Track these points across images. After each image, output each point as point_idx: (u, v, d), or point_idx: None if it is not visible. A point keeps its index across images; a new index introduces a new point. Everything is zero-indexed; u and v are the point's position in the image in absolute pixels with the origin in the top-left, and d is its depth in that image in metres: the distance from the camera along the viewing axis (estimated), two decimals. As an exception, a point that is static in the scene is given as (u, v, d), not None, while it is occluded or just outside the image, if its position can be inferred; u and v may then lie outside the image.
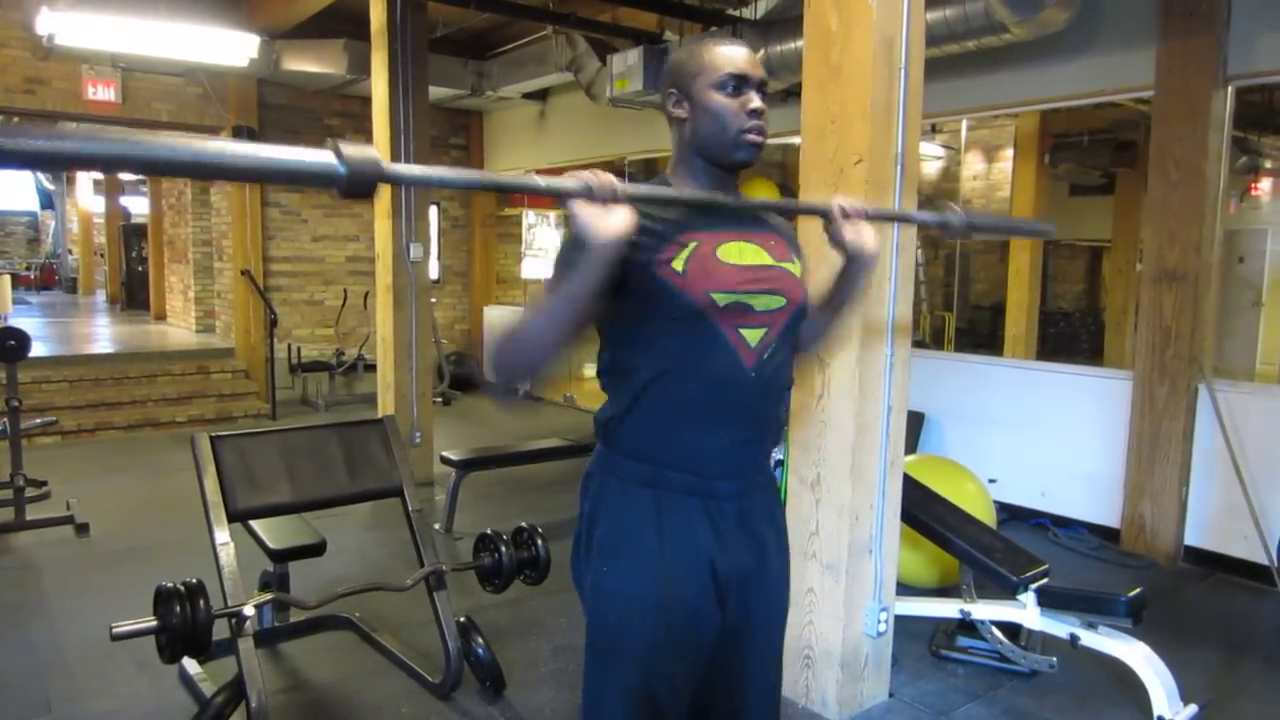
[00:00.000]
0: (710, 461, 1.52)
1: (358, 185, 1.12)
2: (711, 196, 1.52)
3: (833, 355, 1.59)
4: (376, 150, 1.15)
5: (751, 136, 1.50)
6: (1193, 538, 4.56)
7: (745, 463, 1.57)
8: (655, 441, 1.51)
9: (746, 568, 1.58)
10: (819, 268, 1.74)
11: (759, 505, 1.61)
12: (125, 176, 15.96)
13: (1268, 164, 9.48)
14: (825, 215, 1.61)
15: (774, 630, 1.69)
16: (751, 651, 1.63)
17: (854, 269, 1.64)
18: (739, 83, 1.49)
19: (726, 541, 1.54)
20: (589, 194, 1.28)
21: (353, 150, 1.12)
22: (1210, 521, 4.50)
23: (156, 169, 1.07)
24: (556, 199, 1.31)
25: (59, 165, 1.02)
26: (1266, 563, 4.23)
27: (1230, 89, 4.39)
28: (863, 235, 1.60)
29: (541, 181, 1.30)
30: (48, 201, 21.97)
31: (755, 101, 1.50)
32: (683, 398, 1.48)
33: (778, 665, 1.73)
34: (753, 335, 1.51)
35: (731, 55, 1.50)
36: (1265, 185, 10.05)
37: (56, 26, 5.82)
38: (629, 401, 1.51)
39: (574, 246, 1.34)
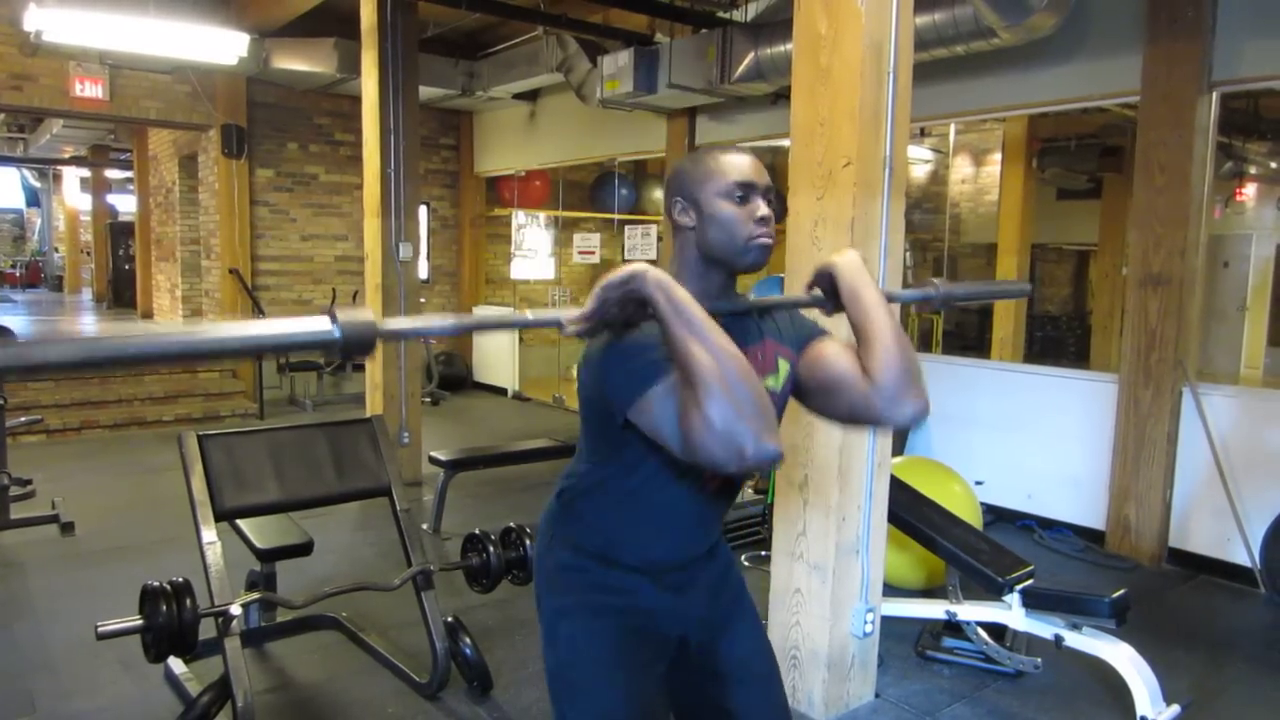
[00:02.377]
0: (658, 561, 1.58)
1: (355, 347, 1.13)
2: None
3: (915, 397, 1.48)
4: (371, 311, 1.15)
5: (761, 241, 1.50)
6: (1176, 540, 4.59)
7: (693, 555, 1.63)
8: (610, 524, 1.56)
9: (702, 598, 1.64)
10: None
11: (706, 570, 1.66)
12: (113, 173, 15.86)
13: (1252, 170, 9.56)
14: (820, 305, 1.59)
15: (753, 646, 1.71)
16: (733, 670, 1.66)
17: (846, 296, 1.54)
18: (746, 190, 1.49)
19: (674, 594, 1.60)
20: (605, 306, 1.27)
21: (348, 315, 1.12)
22: (1194, 524, 4.53)
23: (164, 360, 1.06)
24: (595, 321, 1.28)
25: (57, 370, 1.02)
26: (1249, 565, 4.27)
27: (1215, 95, 4.43)
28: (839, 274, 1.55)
29: (529, 315, 1.32)
30: (34, 199, 21.81)
31: (763, 209, 1.50)
32: (647, 505, 1.53)
33: (775, 682, 1.74)
34: None
35: (738, 164, 1.51)
36: (1249, 191, 10.14)
37: (44, 23, 5.78)
38: (594, 485, 1.56)
39: (643, 350, 1.34)
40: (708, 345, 1.22)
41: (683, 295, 1.26)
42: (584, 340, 1.37)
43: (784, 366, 1.58)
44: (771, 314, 1.61)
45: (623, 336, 1.36)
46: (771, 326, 1.60)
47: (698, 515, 1.58)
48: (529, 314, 1.32)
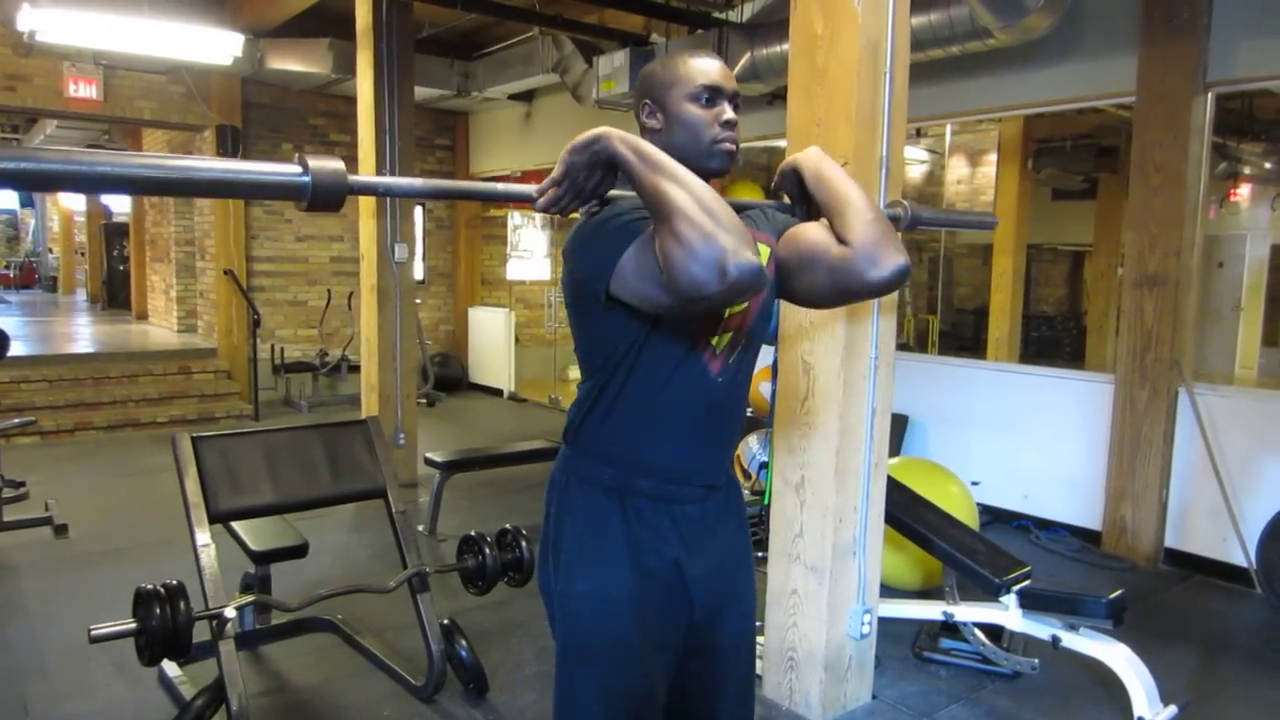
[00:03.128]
0: (675, 469, 1.55)
1: (324, 198, 1.12)
2: None
3: (884, 262, 1.45)
4: (341, 162, 1.14)
5: (725, 146, 1.51)
6: (1172, 540, 4.59)
7: (709, 468, 1.60)
8: (621, 446, 1.53)
9: (712, 568, 1.61)
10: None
11: (722, 506, 1.64)
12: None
13: (1246, 170, 9.58)
14: (788, 211, 1.63)
15: (743, 628, 1.71)
16: (722, 651, 1.66)
17: (811, 182, 1.58)
18: (713, 94, 1.51)
19: (691, 544, 1.58)
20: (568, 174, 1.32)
21: (319, 162, 1.11)
22: (1190, 524, 4.54)
23: (128, 187, 1.06)
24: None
25: (12, 185, 1.01)
26: (1245, 565, 4.27)
27: (1210, 95, 4.43)
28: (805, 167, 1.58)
29: (500, 187, 1.35)
30: (28, 199, 21.77)
31: (728, 113, 1.52)
32: (651, 406, 1.51)
33: (750, 663, 1.75)
34: (719, 341, 1.53)
35: (705, 67, 1.52)
36: (1244, 191, 10.16)
37: (38, 23, 5.76)
38: (597, 402, 1.53)
39: (618, 220, 1.37)
40: (678, 180, 1.24)
41: (650, 147, 1.29)
42: (552, 214, 1.39)
43: (764, 249, 1.59)
44: (746, 212, 1.64)
45: (593, 215, 1.39)
46: (748, 216, 1.62)
47: (706, 413, 1.54)
48: (499, 186, 1.34)
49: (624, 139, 1.28)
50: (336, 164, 1.12)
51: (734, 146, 1.52)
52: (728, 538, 1.65)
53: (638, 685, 1.54)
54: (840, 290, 1.52)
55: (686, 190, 1.22)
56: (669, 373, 1.49)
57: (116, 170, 1.04)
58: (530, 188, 1.33)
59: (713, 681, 1.66)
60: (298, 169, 1.11)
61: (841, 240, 1.48)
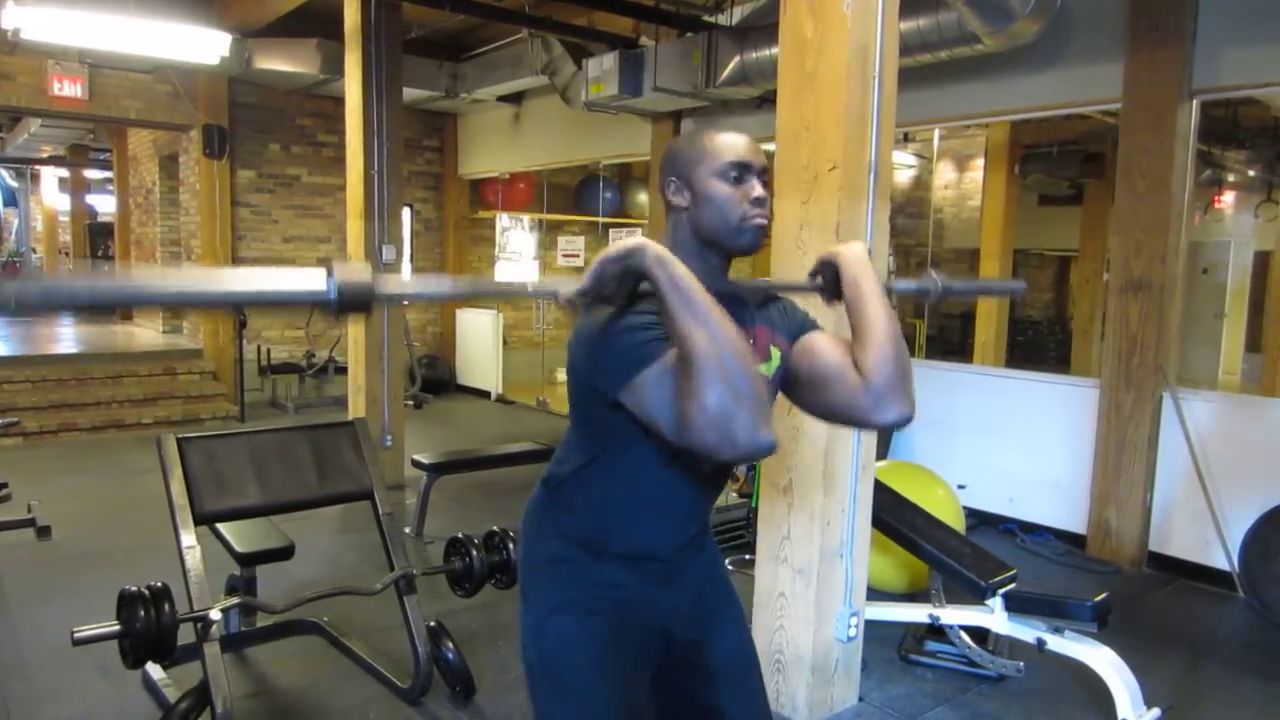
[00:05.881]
0: (647, 543, 1.56)
1: (351, 305, 1.13)
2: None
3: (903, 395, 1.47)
4: (368, 268, 1.15)
5: (756, 222, 1.49)
6: (1156, 544, 4.62)
7: (681, 542, 1.60)
8: (599, 511, 1.54)
9: (688, 597, 1.62)
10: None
11: (694, 562, 1.65)
12: (92, 173, 15.72)
13: (1230, 177, 9.67)
14: (820, 291, 1.58)
15: (741, 637, 1.70)
16: (723, 667, 1.65)
17: (847, 285, 1.52)
18: (741, 171, 1.48)
19: (662, 588, 1.59)
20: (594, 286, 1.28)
21: (345, 275, 1.12)
22: (1174, 527, 4.57)
23: (150, 303, 1.09)
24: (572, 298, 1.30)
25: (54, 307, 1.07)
26: (1228, 568, 4.30)
27: (1195, 103, 4.47)
28: (842, 264, 1.53)
29: (529, 288, 1.34)
30: (11, 199, 21.54)
31: (758, 189, 1.49)
32: (636, 490, 1.51)
33: (756, 671, 1.73)
34: None
35: (733, 143, 1.50)
36: (1228, 198, 10.26)
37: (22, 21, 5.71)
38: (582, 470, 1.53)
39: (639, 326, 1.32)
40: (708, 327, 1.20)
41: (684, 273, 1.24)
42: (576, 313, 1.34)
43: (776, 355, 1.57)
44: (770, 309, 1.61)
45: (620, 314, 1.33)
46: (765, 314, 1.59)
47: (689, 501, 1.56)
48: (529, 285, 1.33)
49: (659, 258, 1.24)
50: (363, 275, 1.13)
51: (765, 223, 1.50)
52: (700, 571, 1.66)
53: (621, 711, 1.54)
54: (838, 418, 1.52)
55: (716, 343, 1.18)
56: (657, 466, 1.48)
57: (143, 292, 1.09)
58: (556, 286, 1.31)
59: (714, 700, 1.64)
60: (323, 282, 1.12)
61: (858, 364, 1.45)
